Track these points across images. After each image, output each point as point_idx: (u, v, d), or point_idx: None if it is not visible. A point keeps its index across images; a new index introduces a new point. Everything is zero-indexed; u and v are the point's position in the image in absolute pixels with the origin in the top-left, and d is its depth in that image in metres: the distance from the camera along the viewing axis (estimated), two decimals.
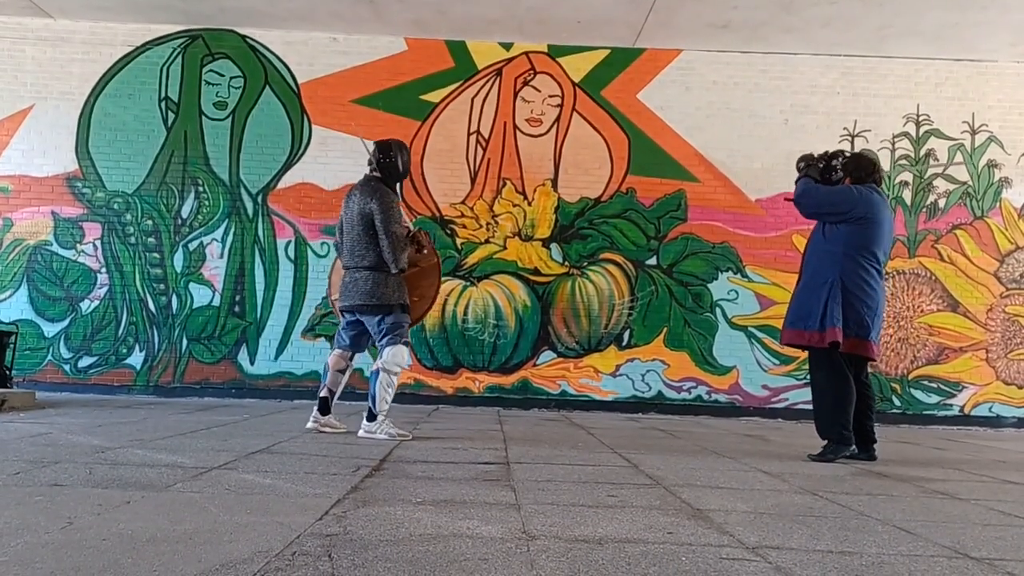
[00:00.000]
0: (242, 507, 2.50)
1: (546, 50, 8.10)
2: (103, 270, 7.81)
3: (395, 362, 4.67)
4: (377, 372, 4.70)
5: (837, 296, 4.40)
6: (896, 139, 8.07)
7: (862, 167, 4.63)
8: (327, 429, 4.95)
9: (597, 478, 3.42)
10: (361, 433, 4.71)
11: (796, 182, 4.74)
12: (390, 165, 4.85)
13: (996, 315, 7.94)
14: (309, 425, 4.97)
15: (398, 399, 7.65)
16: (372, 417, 4.70)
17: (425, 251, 4.96)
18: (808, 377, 4.75)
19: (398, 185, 5.13)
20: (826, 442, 4.44)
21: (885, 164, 8.07)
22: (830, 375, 4.42)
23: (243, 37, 8.04)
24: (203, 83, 8.00)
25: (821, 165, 4.70)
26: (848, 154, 4.77)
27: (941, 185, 8.06)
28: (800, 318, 4.51)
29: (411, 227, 5.03)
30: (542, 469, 3.64)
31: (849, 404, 4.39)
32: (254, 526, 2.23)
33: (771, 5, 7.05)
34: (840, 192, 4.54)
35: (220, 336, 7.79)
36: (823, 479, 3.70)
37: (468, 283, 7.88)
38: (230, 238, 7.88)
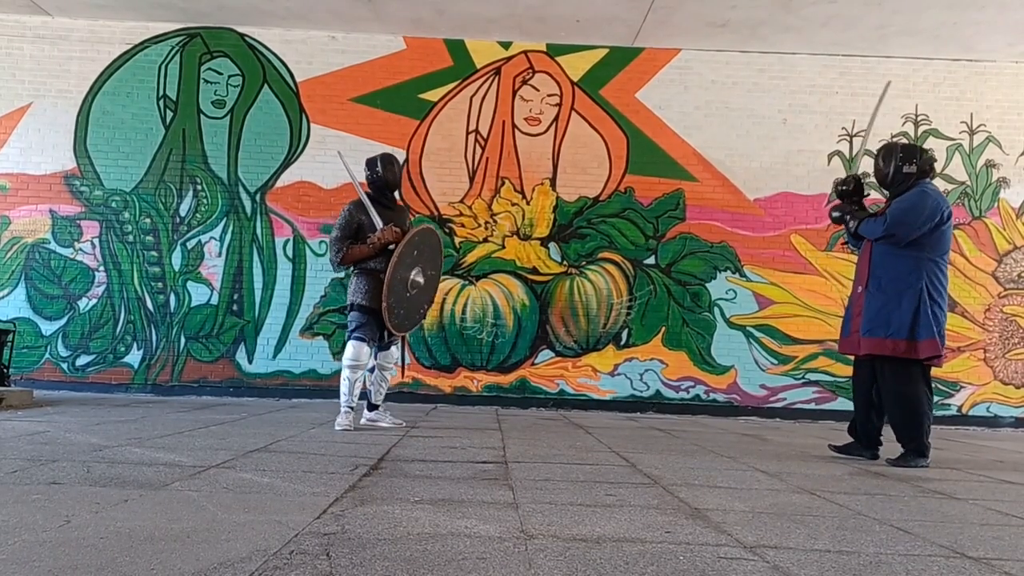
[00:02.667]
0: (240, 506, 2.50)
1: (545, 49, 8.10)
2: (101, 268, 7.80)
3: (349, 358, 4.99)
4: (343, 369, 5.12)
5: (926, 305, 4.25)
6: (894, 139, 8.07)
7: (928, 162, 4.44)
8: (377, 424, 5.35)
9: (595, 477, 3.42)
10: (362, 421, 5.30)
11: (851, 227, 4.53)
12: (377, 179, 5.18)
13: (994, 315, 7.95)
14: (362, 422, 5.36)
15: (397, 398, 7.70)
16: (372, 407, 5.34)
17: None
18: (878, 384, 4.44)
19: (395, 194, 5.37)
20: (907, 452, 4.31)
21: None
22: (920, 386, 4.32)
23: (241, 35, 8.03)
24: (201, 81, 8.00)
25: (854, 200, 4.60)
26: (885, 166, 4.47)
27: (939, 185, 8.04)
28: (879, 326, 4.29)
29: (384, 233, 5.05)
30: (540, 468, 3.64)
31: (931, 413, 4.37)
32: (252, 525, 2.23)
33: (770, 4, 7.05)
34: (924, 201, 4.29)
35: (218, 335, 7.78)
36: (821, 479, 3.70)
37: (466, 282, 7.88)
38: (228, 237, 7.87)
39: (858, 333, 4.41)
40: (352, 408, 5.04)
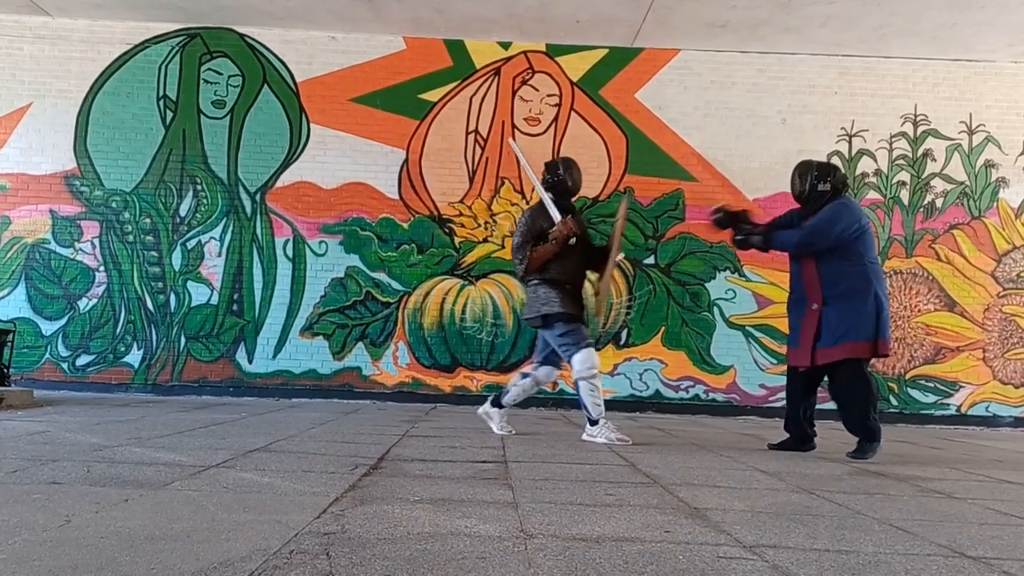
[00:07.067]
0: (240, 505, 2.50)
1: (544, 49, 8.10)
2: (101, 268, 7.81)
3: (585, 367, 4.71)
4: (577, 383, 4.81)
5: (883, 307, 4.48)
6: (894, 139, 8.09)
7: (841, 180, 4.72)
8: (487, 421, 5.22)
9: (595, 477, 3.42)
10: (584, 437, 4.90)
11: (760, 245, 4.85)
12: (559, 183, 5.01)
13: (993, 315, 7.95)
14: (479, 411, 5.28)
15: (396, 398, 7.71)
16: (593, 423, 4.83)
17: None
18: (831, 385, 4.69)
19: (569, 199, 5.13)
20: (862, 440, 4.51)
21: (883, 164, 8.10)
22: (869, 378, 4.54)
23: (241, 36, 8.04)
24: (201, 82, 8.00)
25: (741, 221, 4.94)
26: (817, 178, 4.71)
27: (938, 185, 8.08)
28: (846, 332, 4.47)
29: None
30: (540, 468, 3.64)
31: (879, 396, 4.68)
32: (252, 524, 2.23)
33: (769, 5, 7.06)
34: (841, 211, 4.56)
35: (218, 334, 7.79)
36: (820, 478, 3.71)
37: (466, 282, 7.88)
38: (228, 237, 7.88)
39: (811, 346, 4.59)
40: (605, 418, 4.81)
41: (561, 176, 5.00)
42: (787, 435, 4.87)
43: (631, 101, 8.08)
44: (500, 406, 5.14)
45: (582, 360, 4.69)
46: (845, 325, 4.47)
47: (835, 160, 8.02)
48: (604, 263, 4.95)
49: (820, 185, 4.65)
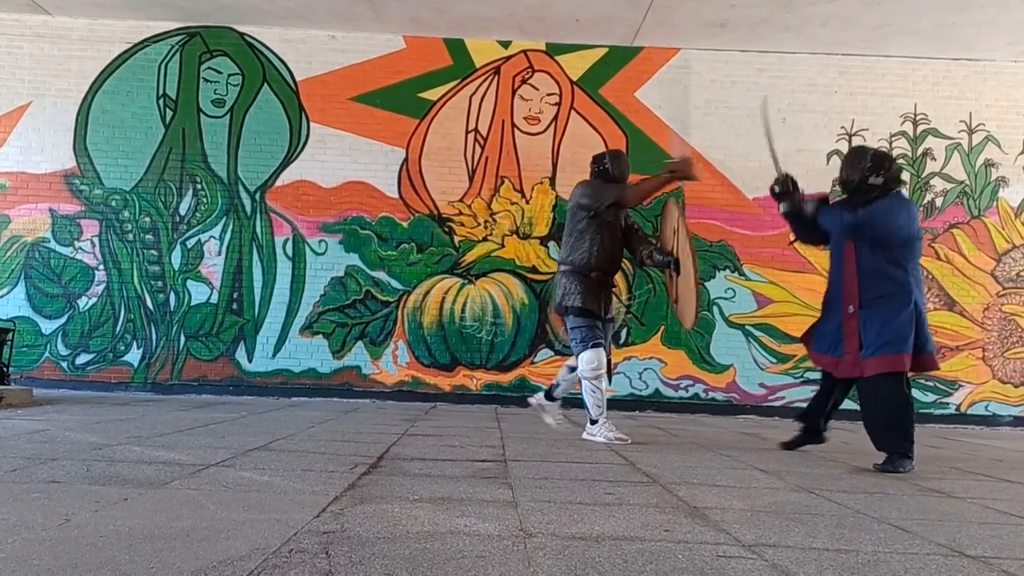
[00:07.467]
0: (239, 504, 2.50)
1: (544, 48, 8.10)
2: (101, 267, 7.80)
3: (589, 367, 4.69)
4: (580, 381, 4.80)
5: (923, 316, 4.22)
6: (893, 138, 8.09)
7: (894, 172, 4.35)
8: (541, 413, 5.27)
9: (594, 476, 3.42)
10: (584, 436, 4.88)
11: (809, 211, 4.47)
12: (603, 173, 5.02)
13: (993, 314, 7.95)
14: (531, 400, 5.36)
15: (395, 396, 7.71)
16: (593, 422, 4.82)
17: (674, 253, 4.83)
18: (866, 395, 4.33)
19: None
20: (892, 455, 4.14)
21: None
22: (908, 393, 4.22)
23: (241, 35, 8.03)
24: (201, 80, 8.00)
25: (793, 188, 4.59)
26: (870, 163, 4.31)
27: (938, 184, 8.07)
28: (889, 343, 4.14)
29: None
30: (539, 467, 3.65)
31: None
32: (251, 523, 2.23)
33: (769, 4, 7.05)
34: (899, 208, 4.23)
35: (218, 333, 7.79)
36: (819, 477, 3.71)
37: (466, 281, 7.88)
38: (228, 235, 7.87)
39: (854, 355, 4.27)
40: (606, 418, 4.80)
41: (606, 166, 5.02)
42: (798, 431, 4.70)
43: (631, 100, 8.07)
44: (553, 399, 5.19)
45: (588, 360, 4.69)
46: (887, 334, 4.15)
47: (834, 160, 8.02)
48: (669, 267, 4.87)
49: (872, 178, 4.26)
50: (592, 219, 4.83)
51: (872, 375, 4.19)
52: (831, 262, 4.54)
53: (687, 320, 4.89)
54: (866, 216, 4.22)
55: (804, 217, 4.56)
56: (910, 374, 4.25)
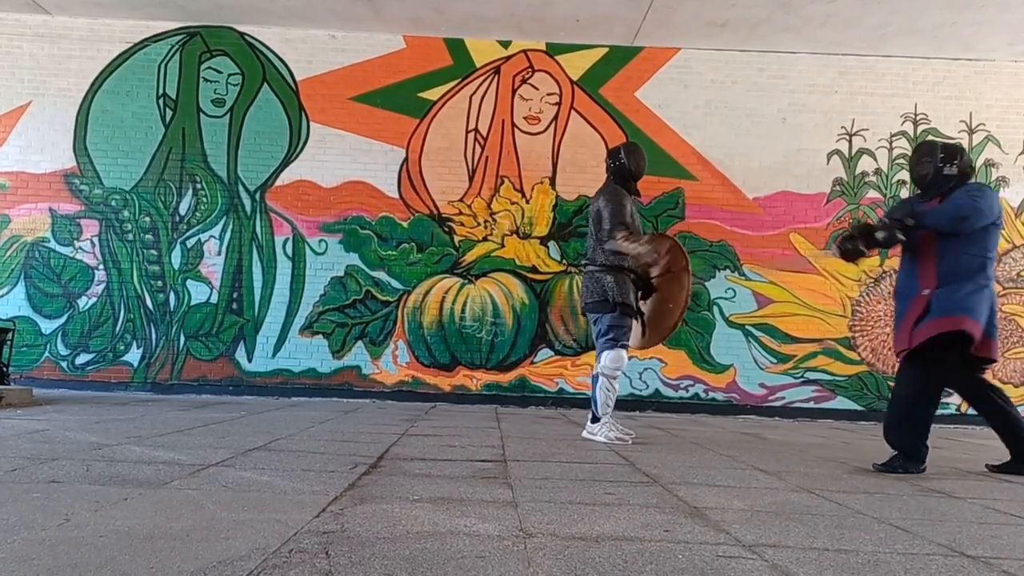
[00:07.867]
0: (239, 504, 2.50)
1: (544, 48, 8.10)
2: (101, 267, 7.80)
3: (613, 366, 4.70)
4: (596, 376, 4.78)
5: (995, 300, 4.19)
6: (893, 138, 8.08)
7: (967, 161, 4.26)
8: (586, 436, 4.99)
9: (594, 476, 3.42)
10: (584, 434, 4.89)
11: (912, 222, 4.20)
12: (620, 168, 5.01)
13: None
14: (584, 434, 5.06)
15: (395, 396, 7.71)
16: (595, 420, 4.82)
17: (666, 257, 4.90)
18: (918, 378, 4.28)
19: (634, 184, 5.16)
20: (899, 454, 4.09)
21: (883, 163, 8.10)
22: (938, 394, 4.14)
23: (241, 34, 8.03)
24: (201, 80, 8.00)
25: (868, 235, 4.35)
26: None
27: None
28: (956, 307, 4.06)
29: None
30: (539, 467, 3.64)
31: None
32: (251, 523, 2.23)
33: (769, 4, 7.05)
34: (983, 198, 4.10)
35: (218, 333, 7.79)
36: (820, 477, 3.71)
37: (466, 281, 7.88)
38: (228, 235, 7.87)
39: (914, 326, 4.15)
40: (612, 419, 4.81)
41: (623, 161, 5.01)
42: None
43: (631, 100, 8.07)
44: (597, 420, 4.89)
45: (613, 359, 4.71)
46: (955, 301, 4.05)
47: (834, 159, 8.03)
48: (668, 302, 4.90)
49: (947, 168, 4.16)
50: None
51: (920, 347, 4.07)
52: (902, 258, 4.41)
53: (642, 342, 4.95)
54: (968, 206, 4.05)
55: (901, 236, 4.28)
56: (980, 354, 4.17)
